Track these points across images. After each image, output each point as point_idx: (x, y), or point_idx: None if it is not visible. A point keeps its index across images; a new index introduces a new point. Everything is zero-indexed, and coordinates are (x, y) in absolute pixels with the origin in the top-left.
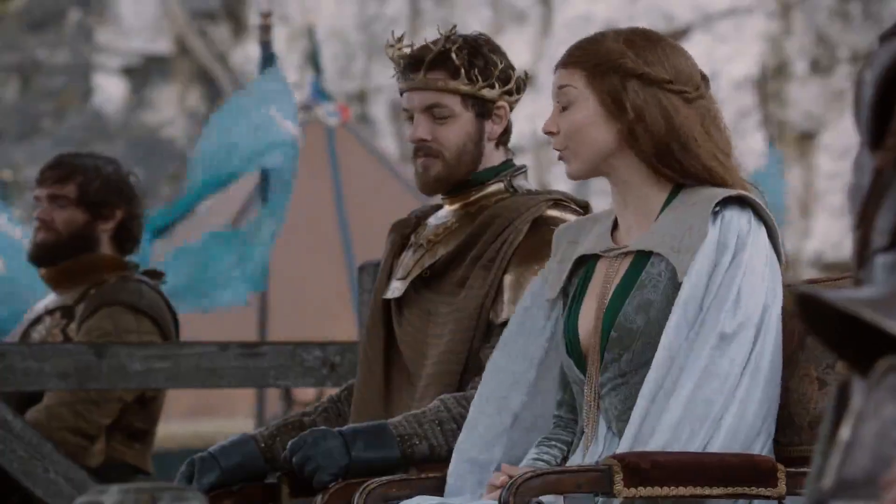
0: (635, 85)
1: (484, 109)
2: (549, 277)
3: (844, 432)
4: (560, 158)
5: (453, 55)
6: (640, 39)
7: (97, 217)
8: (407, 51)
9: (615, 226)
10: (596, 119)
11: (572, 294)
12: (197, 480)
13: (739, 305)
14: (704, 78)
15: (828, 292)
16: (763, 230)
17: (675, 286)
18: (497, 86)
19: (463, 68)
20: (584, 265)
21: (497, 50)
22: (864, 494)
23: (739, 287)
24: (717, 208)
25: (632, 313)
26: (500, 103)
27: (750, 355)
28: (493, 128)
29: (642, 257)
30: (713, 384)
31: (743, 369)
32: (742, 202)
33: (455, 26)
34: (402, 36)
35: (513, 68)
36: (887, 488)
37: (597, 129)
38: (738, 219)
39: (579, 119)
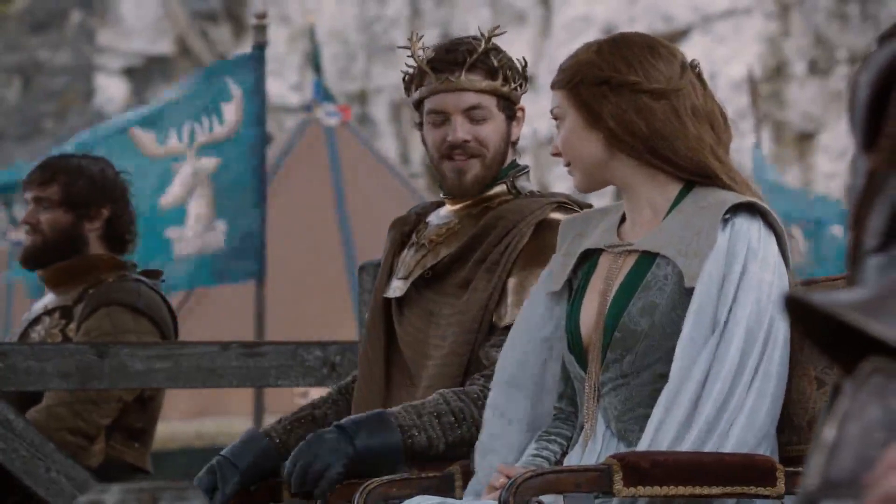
0: (606, 91)
1: (511, 112)
2: (553, 270)
3: (829, 433)
4: (569, 173)
5: (492, 57)
6: (609, 46)
7: (83, 217)
8: (430, 53)
9: (622, 220)
10: (579, 132)
11: (575, 288)
12: (221, 490)
13: (749, 318)
14: (685, 67)
15: (815, 295)
16: (773, 239)
17: (682, 290)
18: (519, 89)
19: (500, 70)
20: (589, 259)
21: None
22: (848, 494)
23: (749, 299)
24: (728, 215)
25: (636, 315)
26: (521, 105)
27: (758, 366)
28: (514, 130)
29: (647, 257)
30: (721, 394)
31: (752, 380)
32: (752, 209)
33: (498, 27)
34: (422, 36)
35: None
36: (870, 488)
37: (581, 141)
38: (748, 227)
39: (566, 135)
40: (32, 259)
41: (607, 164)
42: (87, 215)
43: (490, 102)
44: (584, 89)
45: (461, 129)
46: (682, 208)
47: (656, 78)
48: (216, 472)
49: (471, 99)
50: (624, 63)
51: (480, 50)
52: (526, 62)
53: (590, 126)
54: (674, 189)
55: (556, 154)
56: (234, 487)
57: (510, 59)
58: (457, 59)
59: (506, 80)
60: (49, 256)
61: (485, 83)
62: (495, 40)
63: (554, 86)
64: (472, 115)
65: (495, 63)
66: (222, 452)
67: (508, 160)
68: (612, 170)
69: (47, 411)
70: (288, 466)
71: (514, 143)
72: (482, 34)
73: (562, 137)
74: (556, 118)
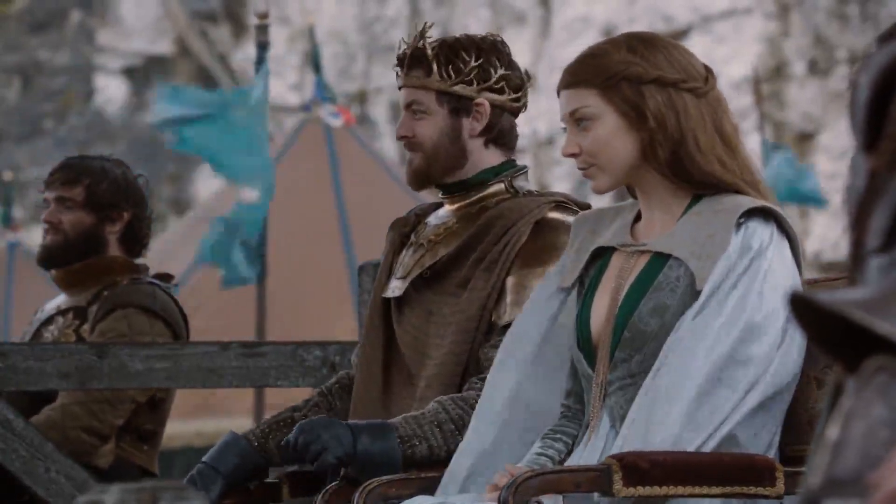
0: (652, 90)
1: (460, 106)
2: (564, 266)
3: (833, 432)
4: (586, 176)
5: (428, 53)
6: (639, 44)
7: (105, 219)
8: (406, 50)
9: (636, 220)
10: (619, 132)
11: (587, 286)
12: (207, 497)
13: (752, 318)
14: (708, 69)
15: (820, 294)
16: (786, 243)
17: (693, 293)
18: (475, 83)
19: (435, 66)
20: (601, 257)
21: (491, 51)
22: (852, 493)
23: (754, 298)
24: (742, 219)
25: (646, 315)
26: (479, 100)
27: (766, 369)
28: (472, 125)
29: (660, 258)
30: (721, 393)
31: (756, 381)
32: (766, 214)
33: (426, 23)
34: (422, 29)
35: (506, 69)
36: (875, 487)
37: (621, 141)
38: (761, 231)
39: (603, 135)
40: (52, 259)
41: (635, 167)
42: (110, 217)
43: (427, 98)
44: (627, 88)
45: (401, 126)
46: (698, 211)
47: (694, 76)
48: (197, 481)
49: (409, 95)
50: (666, 61)
51: (411, 47)
52: (491, 61)
53: (632, 126)
54: (686, 198)
55: (572, 155)
56: (219, 492)
57: (455, 56)
58: (401, 56)
59: (447, 76)
60: (69, 257)
61: (417, 80)
62: (486, 40)
63: (574, 84)
64: (413, 110)
65: (430, 57)
66: (203, 459)
67: (496, 159)
68: (638, 174)
69: (62, 410)
70: (291, 437)
71: (499, 142)
72: (418, 29)
73: (595, 138)
74: (581, 118)
